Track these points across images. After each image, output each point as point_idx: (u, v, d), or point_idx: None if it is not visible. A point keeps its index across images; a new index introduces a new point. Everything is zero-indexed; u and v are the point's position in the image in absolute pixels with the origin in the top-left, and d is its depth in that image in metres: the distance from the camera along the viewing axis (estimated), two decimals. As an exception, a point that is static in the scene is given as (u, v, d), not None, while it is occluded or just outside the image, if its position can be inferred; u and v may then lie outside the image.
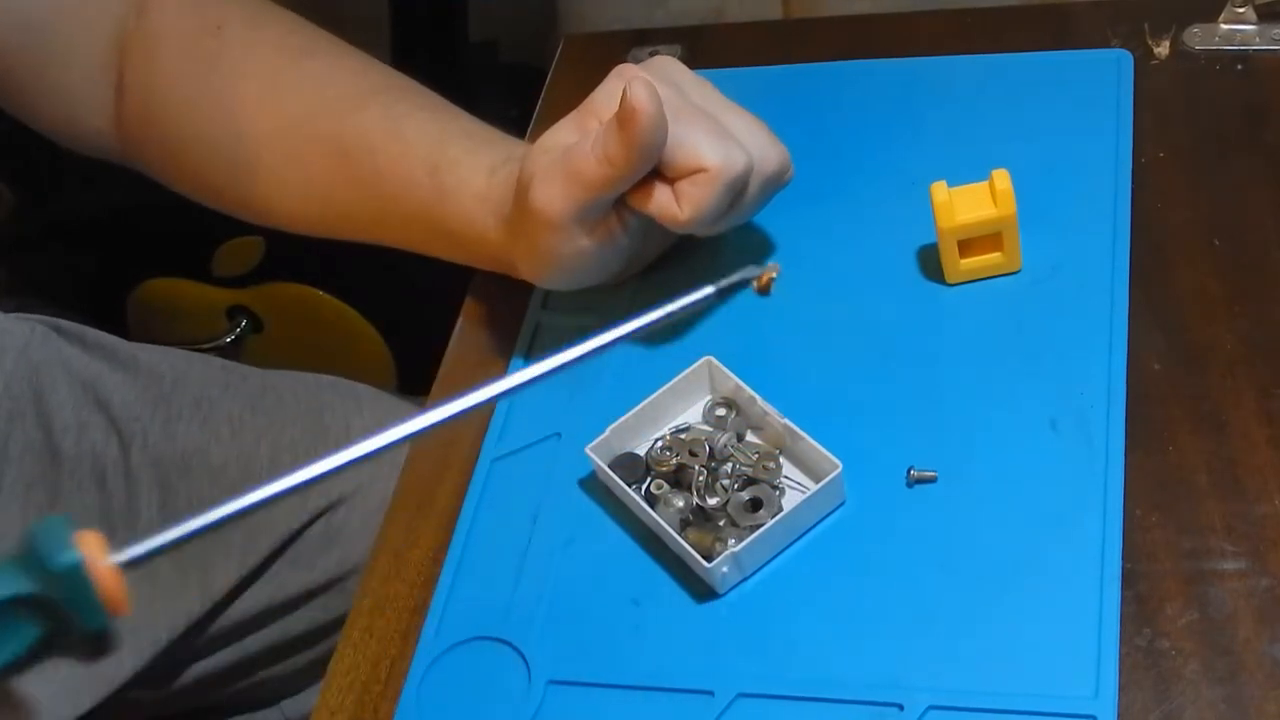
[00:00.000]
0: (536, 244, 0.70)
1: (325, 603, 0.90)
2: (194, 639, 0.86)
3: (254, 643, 0.90)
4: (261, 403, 0.90)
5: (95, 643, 0.33)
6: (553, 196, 0.67)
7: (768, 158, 0.69)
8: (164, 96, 0.82)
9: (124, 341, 0.91)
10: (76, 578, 0.34)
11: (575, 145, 0.66)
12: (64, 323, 0.89)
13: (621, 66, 0.69)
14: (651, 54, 0.90)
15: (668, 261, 0.77)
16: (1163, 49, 0.81)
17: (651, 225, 0.70)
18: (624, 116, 0.64)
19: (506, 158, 0.73)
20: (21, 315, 0.88)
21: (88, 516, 0.83)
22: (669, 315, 0.57)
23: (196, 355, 0.94)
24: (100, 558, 0.36)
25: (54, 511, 0.81)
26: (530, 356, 0.76)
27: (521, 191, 0.68)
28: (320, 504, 0.89)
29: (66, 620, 0.34)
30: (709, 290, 0.58)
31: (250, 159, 0.80)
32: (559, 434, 0.72)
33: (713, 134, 0.66)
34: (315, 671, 0.93)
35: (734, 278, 0.59)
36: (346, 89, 0.79)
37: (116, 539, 0.83)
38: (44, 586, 0.33)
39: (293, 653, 0.93)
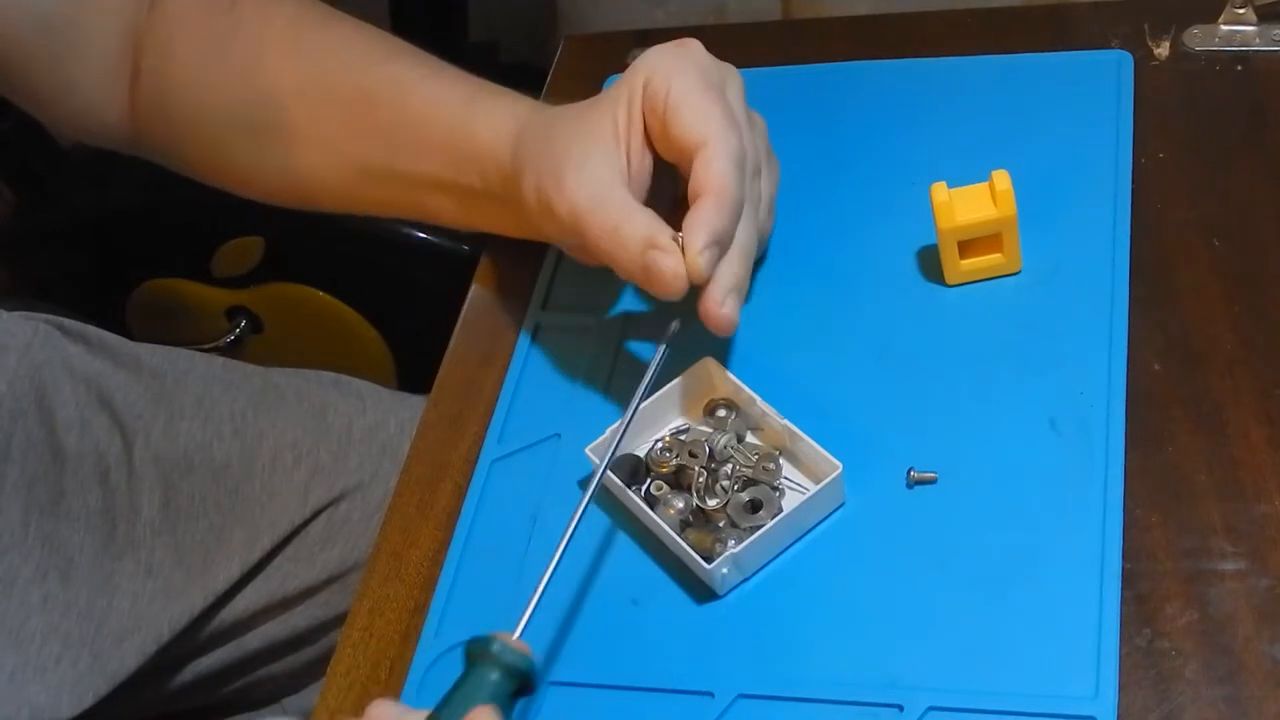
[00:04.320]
0: (539, 199, 0.69)
1: (326, 599, 0.91)
2: (196, 635, 0.86)
3: (255, 639, 0.90)
4: (263, 401, 0.91)
5: (527, 686, 0.56)
6: (562, 233, 0.69)
7: (750, 175, 0.69)
8: (180, 75, 0.81)
9: (126, 340, 0.91)
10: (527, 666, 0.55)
11: (620, 226, 0.66)
12: (67, 321, 0.90)
13: (707, 131, 0.67)
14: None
15: None
16: (1163, 50, 0.81)
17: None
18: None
19: (545, 108, 0.74)
20: (25, 314, 0.88)
21: (90, 513, 0.83)
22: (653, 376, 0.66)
23: (199, 354, 0.94)
24: (514, 638, 0.56)
25: (56, 510, 0.82)
26: (529, 360, 0.76)
27: (559, 158, 0.68)
28: (322, 500, 0.89)
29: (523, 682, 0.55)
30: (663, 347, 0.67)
31: (269, 122, 0.79)
32: (559, 435, 0.72)
33: (727, 117, 0.67)
34: (317, 669, 0.93)
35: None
36: (370, 47, 0.79)
37: (118, 535, 0.83)
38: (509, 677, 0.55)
39: (294, 649, 0.93)
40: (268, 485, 0.88)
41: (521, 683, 0.55)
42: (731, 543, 0.64)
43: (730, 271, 0.66)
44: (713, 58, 0.70)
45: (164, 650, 0.84)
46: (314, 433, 0.90)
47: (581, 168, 0.67)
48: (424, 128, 0.75)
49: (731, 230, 0.66)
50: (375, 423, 0.92)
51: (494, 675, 0.54)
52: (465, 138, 0.74)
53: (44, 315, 0.88)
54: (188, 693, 0.90)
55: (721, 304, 0.66)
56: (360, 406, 0.93)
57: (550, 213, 0.68)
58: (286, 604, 0.90)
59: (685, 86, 0.67)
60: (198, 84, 0.81)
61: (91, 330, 0.90)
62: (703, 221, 0.65)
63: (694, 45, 0.69)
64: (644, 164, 0.69)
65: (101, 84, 0.83)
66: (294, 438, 0.90)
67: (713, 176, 0.65)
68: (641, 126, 0.69)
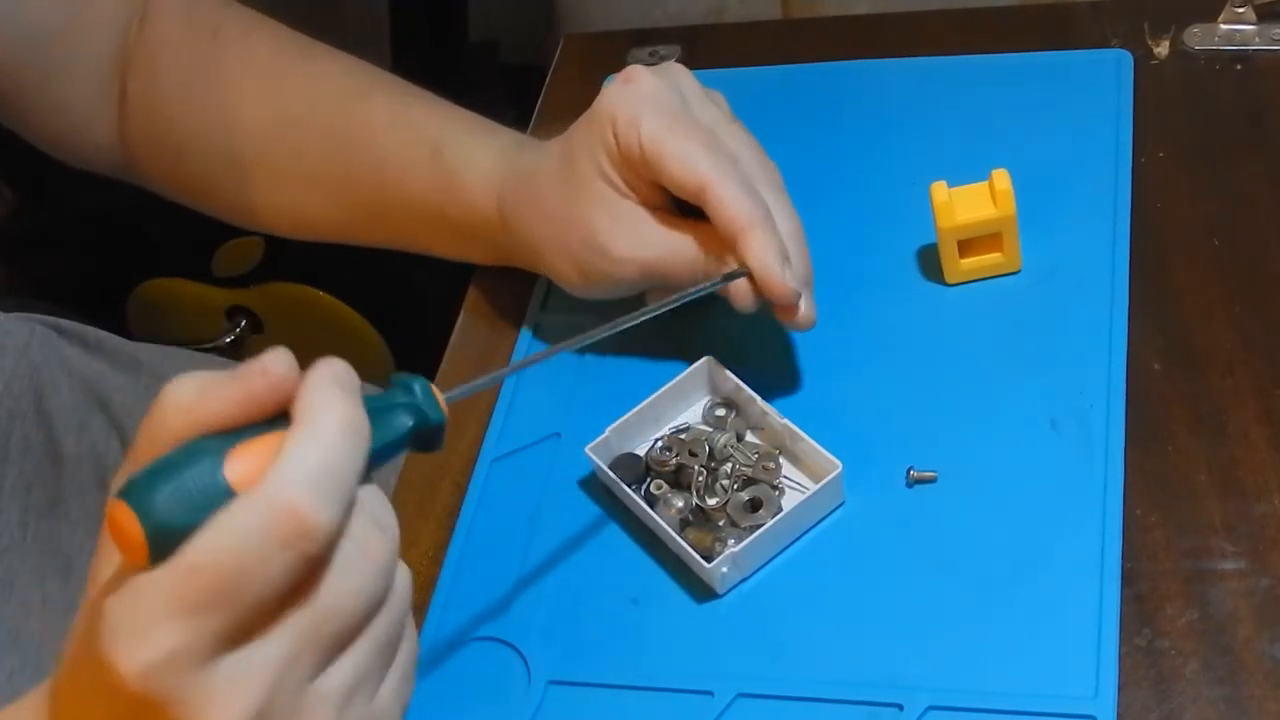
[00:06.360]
0: (592, 275, 0.71)
1: None
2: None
3: None
4: None
5: (431, 440, 0.52)
6: (630, 275, 0.69)
7: (754, 174, 0.68)
8: (165, 102, 0.82)
9: (125, 341, 0.91)
10: (428, 395, 0.51)
11: (677, 253, 0.68)
12: (65, 323, 0.89)
13: (701, 174, 0.66)
14: (651, 54, 0.90)
15: None
16: (1162, 49, 0.81)
17: None
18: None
19: (516, 143, 0.74)
20: (22, 315, 0.87)
21: (89, 516, 0.83)
22: (664, 308, 0.65)
23: (198, 355, 0.94)
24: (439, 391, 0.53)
25: (55, 512, 0.82)
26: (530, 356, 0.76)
27: (582, 235, 0.69)
28: None
29: (423, 420, 0.51)
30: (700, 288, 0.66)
31: (250, 158, 0.80)
32: (559, 434, 0.72)
33: (706, 147, 0.67)
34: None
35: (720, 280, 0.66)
36: (346, 83, 0.80)
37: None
38: (412, 399, 0.51)
39: None
40: None
41: (420, 418, 0.52)
42: (731, 542, 0.64)
43: (796, 269, 0.67)
44: (658, 75, 0.69)
45: None
46: None
47: (625, 233, 0.69)
48: (397, 188, 0.76)
49: (779, 240, 0.66)
50: None
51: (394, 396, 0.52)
52: (442, 195, 0.75)
53: (40, 316, 0.88)
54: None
55: (798, 306, 0.66)
56: None
57: (608, 277, 0.70)
58: None
59: (654, 130, 0.66)
60: (182, 113, 0.82)
61: (90, 331, 0.89)
62: (759, 255, 0.65)
63: (639, 75, 0.69)
64: (659, 195, 0.69)
65: (91, 106, 0.83)
66: None
67: (732, 217, 0.65)
68: (631, 172, 0.69)
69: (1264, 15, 0.80)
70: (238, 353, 1.31)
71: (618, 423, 0.68)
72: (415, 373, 0.54)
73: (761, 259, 0.65)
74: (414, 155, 0.75)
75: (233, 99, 0.80)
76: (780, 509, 0.65)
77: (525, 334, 0.77)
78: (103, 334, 0.90)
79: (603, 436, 0.68)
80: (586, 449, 0.68)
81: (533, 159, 0.72)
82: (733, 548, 0.63)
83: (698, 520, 0.66)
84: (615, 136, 0.67)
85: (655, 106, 0.67)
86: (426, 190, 0.75)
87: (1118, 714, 0.57)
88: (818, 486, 0.65)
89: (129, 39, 0.83)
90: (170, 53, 0.82)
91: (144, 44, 0.82)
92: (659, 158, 0.66)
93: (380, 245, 0.82)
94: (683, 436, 0.69)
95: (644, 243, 0.69)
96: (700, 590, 0.65)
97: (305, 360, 1.15)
